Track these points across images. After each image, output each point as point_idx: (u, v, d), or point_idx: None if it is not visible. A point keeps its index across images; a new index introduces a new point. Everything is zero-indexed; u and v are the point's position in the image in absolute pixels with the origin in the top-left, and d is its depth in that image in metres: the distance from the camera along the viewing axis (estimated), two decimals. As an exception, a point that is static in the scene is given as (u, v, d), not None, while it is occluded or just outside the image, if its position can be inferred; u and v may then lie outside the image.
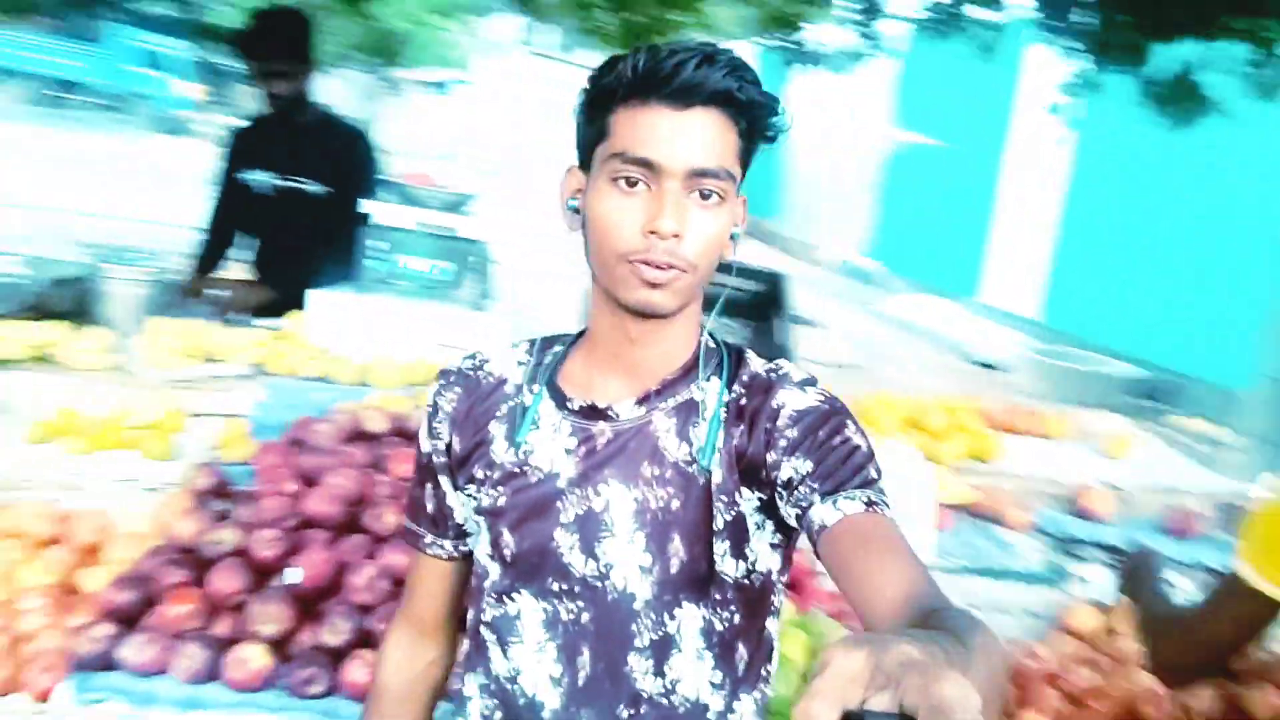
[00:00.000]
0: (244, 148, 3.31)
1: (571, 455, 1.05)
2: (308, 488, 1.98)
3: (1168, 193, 8.65)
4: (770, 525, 1.05)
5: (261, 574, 1.79)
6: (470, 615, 1.16)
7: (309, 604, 1.76)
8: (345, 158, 3.30)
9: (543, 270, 8.54)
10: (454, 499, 1.13)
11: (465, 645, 1.17)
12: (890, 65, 13.20)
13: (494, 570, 1.09)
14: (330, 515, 1.90)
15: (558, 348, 1.13)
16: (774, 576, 1.09)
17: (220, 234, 3.36)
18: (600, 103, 0.99)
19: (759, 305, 3.13)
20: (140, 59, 22.68)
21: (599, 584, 1.04)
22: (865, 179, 15.19)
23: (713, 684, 1.06)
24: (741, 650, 1.08)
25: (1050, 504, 2.65)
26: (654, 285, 0.97)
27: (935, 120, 13.52)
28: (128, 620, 1.70)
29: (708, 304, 1.12)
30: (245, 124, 3.39)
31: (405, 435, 2.34)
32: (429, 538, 1.17)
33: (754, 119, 0.99)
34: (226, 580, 1.74)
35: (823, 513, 0.93)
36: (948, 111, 13.06)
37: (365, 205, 2.93)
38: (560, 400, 1.08)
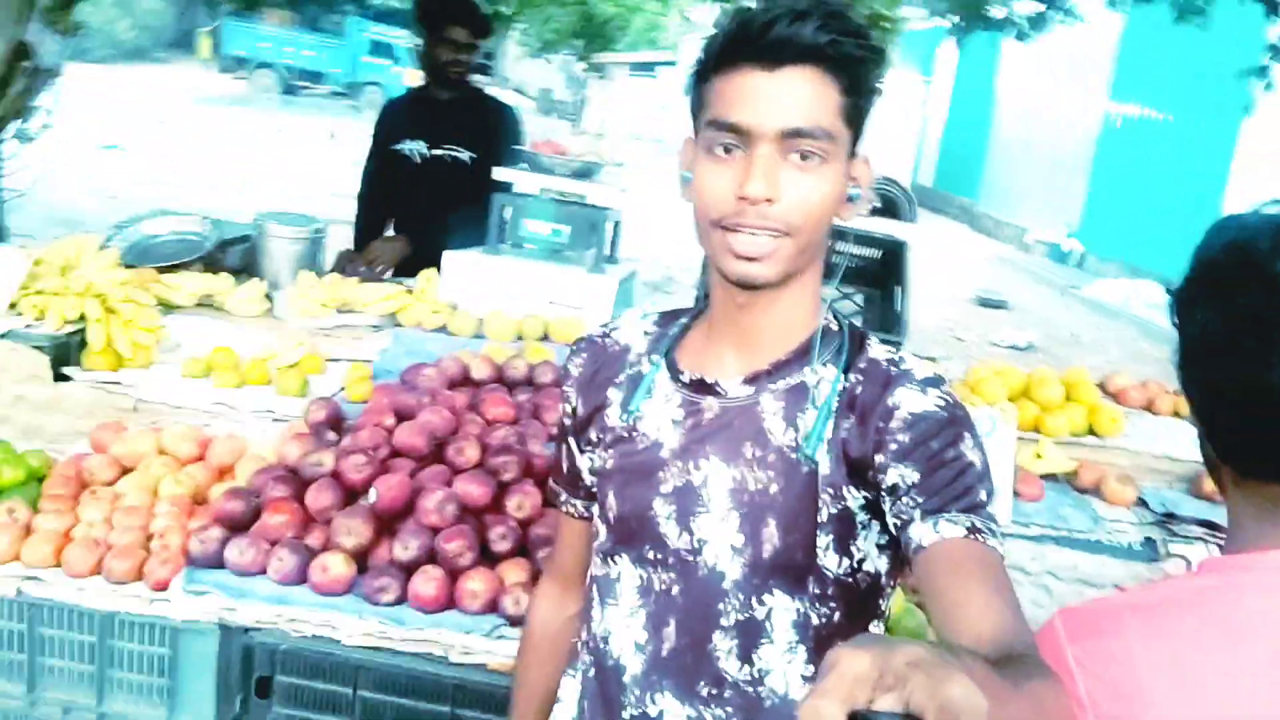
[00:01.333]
0: (394, 121, 3.60)
1: (678, 426, 1.06)
2: (402, 422, 2.18)
3: None
4: (877, 526, 1.01)
5: (350, 494, 2.00)
6: (588, 572, 1.21)
7: (387, 522, 1.96)
8: (491, 129, 3.52)
9: (677, 237, 8.66)
10: (581, 460, 1.17)
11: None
12: (1108, 34, 12.38)
13: (602, 531, 1.13)
14: (415, 447, 2.09)
15: (684, 320, 1.13)
16: (883, 580, 1.05)
17: (375, 202, 3.66)
18: (701, 74, 0.98)
19: (877, 274, 3.10)
20: (374, 50, 24.37)
21: (691, 558, 1.04)
22: (1077, 157, 14.31)
23: (804, 678, 1.04)
24: None
25: (1166, 482, 2.51)
26: (750, 258, 0.95)
27: (1161, 92, 12.54)
28: (236, 527, 1.95)
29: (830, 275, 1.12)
30: (395, 98, 3.68)
31: (504, 382, 2.51)
32: (564, 495, 1.23)
33: (856, 75, 0.94)
34: (319, 497, 1.97)
35: (921, 532, 0.90)
36: (1175, 82, 12.09)
37: (498, 173, 3.13)
38: (674, 371, 1.08)
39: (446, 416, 2.20)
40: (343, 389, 2.54)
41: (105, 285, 2.55)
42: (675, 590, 1.05)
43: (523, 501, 2.00)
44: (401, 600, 1.87)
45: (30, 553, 1.87)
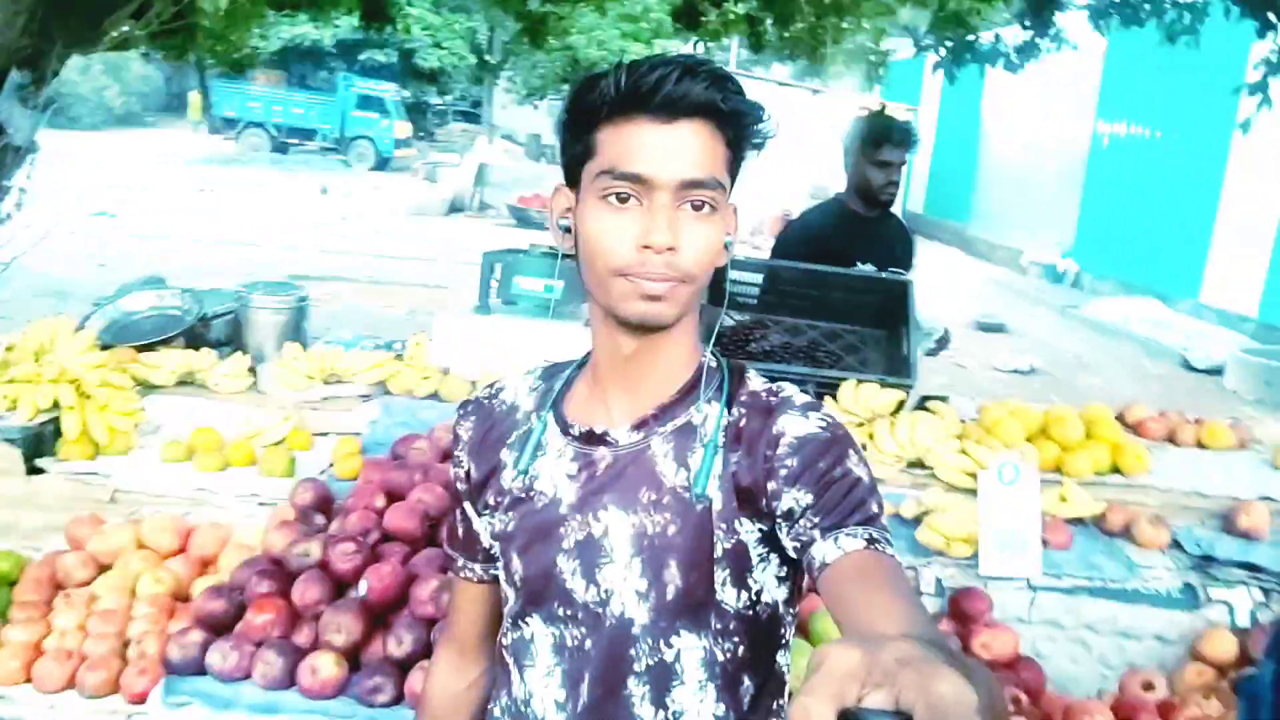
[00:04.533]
0: (830, 236, 3.23)
1: (573, 481, 1.06)
2: (393, 503, 2.07)
3: None
4: (775, 559, 1.03)
5: (340, 585, 1.88)
6: (498, 639, 1.18)
7: (380, 615, 1.84)
8: (904, 250, 3.32)
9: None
10: (478, 524, 1.16)
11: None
12: (1093, 55, 12.40)
13: (510, 595, 1.12)
14: (408, 530, 1.98)
15: (566, 372, 1.14)
16: (781, 609, 1.07)
17: None
18: (584, 121, 0.99)
19: (879, 313, 3.00)
20: (362, 104, 24.52)
21: (599, 610, 1.04)
22: (1068, 177, 14.29)
23: (716, 716, 1.05)
24: (747, 683, 1.06)
25: (1198, 519, 2.39)
26: (653, 298, 0.97)
27: (1149, 110, 12.54)
28: (218, 628, 1.83)
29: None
30: (820, 211, 3.42)
31: (501, 452, 2.40)
32: (461, 561, 1.21)
33: (740, 129, 0.99)
34: (307, 591, 1.84)
35: (824, 550, 0.92)
36: (1162, 100, 12.09)
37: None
38: (564, 426, 1.09)
39: (440, 494, 2.09)
40: (331, 465, 2.43)
41: (79, 369, 2.45)
42: (588, 644, 1.05)
43: (523, 584, 1.88)
44: (399, 699, 1.74)
45: (-2, 669, 1.75)
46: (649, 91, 0.94)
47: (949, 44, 6.35)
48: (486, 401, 1.16)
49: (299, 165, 22.70)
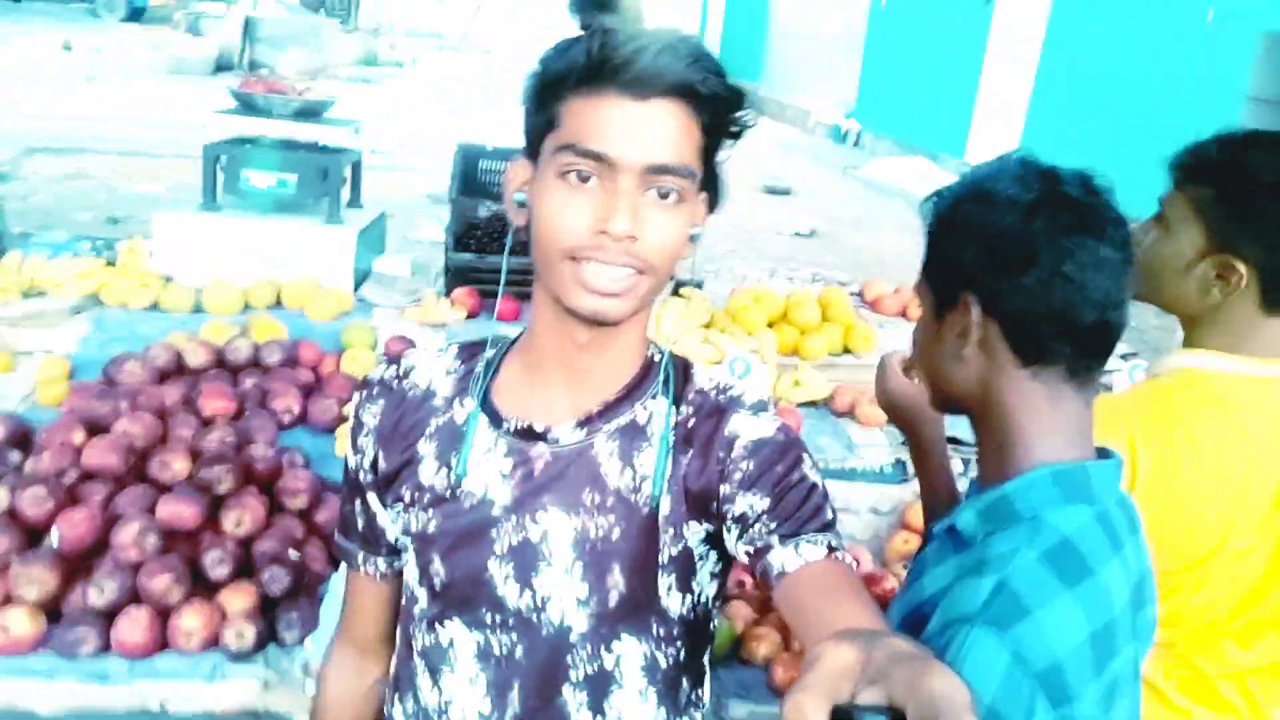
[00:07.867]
0: None
1: (507, 480, 0.98)
2: (94, 436, 1.91)
3: (1142, 45, 8.29)
4: (713, 555, 1.00)
5: (34, 534, 1.75)
6: (399, 638, 1.12)
7: (79, 563, 1.72)
8: None
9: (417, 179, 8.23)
10: (384, 518, 1.07)
11: (393, 668, 1.12)
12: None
13: (423, 597, 1.04)
14: (110, 467, 1.84)
15: (489, 353, 1.04)
16: (711, 606, 1.05)
17: None
18: (550, 89, 0.90)
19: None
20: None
21: (534, 617, 0.99)
22: (850, 37, 14.57)
23: None
24: (685, 684, 1.05)
25: (917, 399, 2.56)
26: (605, 294, 0.89)
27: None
28: (-106, 588, 1.66)
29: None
30: None
31: (227, 366, 2.26)
32: (361, 555, 1.11)
33: (717, 114, 0.91)
34: (-8, 542, 1.70)
35: (783, 557, 0.89)
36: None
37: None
38: (495, 418, 1.00)
39: (149, 423, 1.95)
40: (32, 392, 2.22)
41: None
42: (519, 652, 1.00)
43: (242, 516, 1.80)
44: (106, 649, 1.65)
45: None
46: (623, 63, 0.85)
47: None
48: (395, 384, 1.05)
49: (35, 15, 20.14)
